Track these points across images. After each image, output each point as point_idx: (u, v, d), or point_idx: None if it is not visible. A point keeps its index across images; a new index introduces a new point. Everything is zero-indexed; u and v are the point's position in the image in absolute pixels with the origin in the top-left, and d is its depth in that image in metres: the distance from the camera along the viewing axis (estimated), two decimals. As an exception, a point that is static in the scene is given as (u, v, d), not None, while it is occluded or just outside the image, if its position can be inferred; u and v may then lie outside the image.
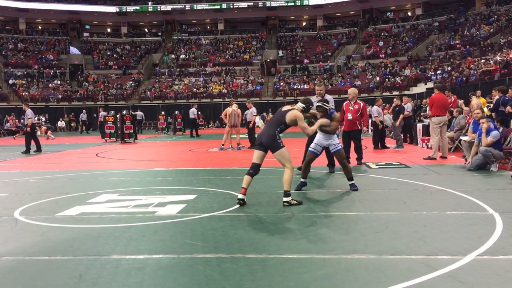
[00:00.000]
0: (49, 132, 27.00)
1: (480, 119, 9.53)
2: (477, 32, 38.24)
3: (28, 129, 16.09)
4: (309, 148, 7.72)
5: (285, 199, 6.22)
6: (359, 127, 10.53)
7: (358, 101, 10.65)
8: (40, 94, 43.61)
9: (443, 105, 11.30)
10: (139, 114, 33.81)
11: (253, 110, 16.43)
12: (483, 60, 30.64)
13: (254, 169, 6.34)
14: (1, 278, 3.77)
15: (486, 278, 3.51)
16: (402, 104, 14.93)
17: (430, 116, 11.73)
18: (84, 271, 3.83)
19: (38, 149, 16.19)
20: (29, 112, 16.26)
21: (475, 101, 13.48)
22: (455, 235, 4.63)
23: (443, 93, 11.88)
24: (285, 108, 6.51)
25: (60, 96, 43.76)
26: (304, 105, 6.52)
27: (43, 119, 36.65)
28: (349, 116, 10.40)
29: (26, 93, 42.93)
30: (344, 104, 10.87)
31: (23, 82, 44.92)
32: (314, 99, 9.09)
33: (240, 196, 6.29)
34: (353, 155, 10.88)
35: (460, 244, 4.32)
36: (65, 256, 4.28)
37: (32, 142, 16.22)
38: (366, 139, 18.81)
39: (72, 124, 40.02)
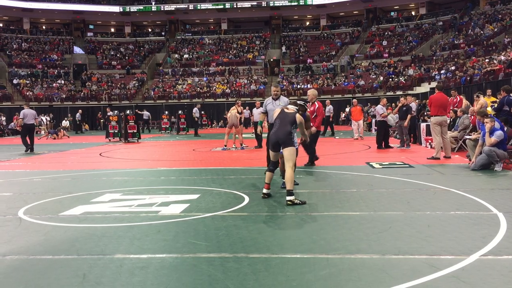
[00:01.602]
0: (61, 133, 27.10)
1: (485, 118, 9.49)
2: (481, 32, 38.12)
3: (18, 128, 16.51)
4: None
5: (288, 198, 6.26)
6: (314, 128, 10.56)
7: (315, 102, 10.66)
8: (44, 93, 43.75)
9: (442, 105, 11.24)
10: (146, 113, 34.09)
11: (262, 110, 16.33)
12: (487, 60, 30.53)
13: (274, 165, 6.85)
14: (5, 277, 3.78)
15: (490, 278, 3.50)
16: (408, 103, 14.86)
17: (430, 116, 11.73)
18: (88, 270, 3.84)
19: (27, 149, 16.36)
20: (21, 112, 16.58)
21: (482, 100, 13.41)
22: (458, 235, 4.61)
23: (443, 93, 11.84)
24: (286, 110, 6.89)
25: (64, 96, 43.89)
26: (296, 108, 7.03)
27: (48, 118, 36.72)
28: None
29: (30, 93, 43.07)
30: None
31: (27, 81, 45.07)
32: (269, 100, 9.16)
33: (265, 191, 6.73)
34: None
35: (464, 244, 4.31)
36: (69, 255, 4.29)
37: (26, 141, 16.53)
38: (369, 138, 18.80)
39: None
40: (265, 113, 9.16)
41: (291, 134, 6.58)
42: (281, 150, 6.62)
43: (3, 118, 34.10)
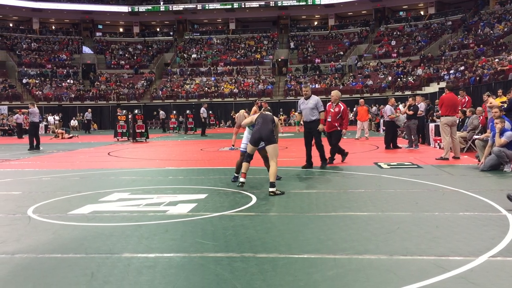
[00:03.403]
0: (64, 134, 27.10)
1: (496, 118, 9.42)
2: (491, 31, 37.84)
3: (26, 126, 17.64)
4: (241, 148, 8.23)
5: (271, 189, 6.94)
6: (339, 128, 10.65)
7: (339, 103, 10.75)
8: (53, 93, 44.03)
9: (453, 105, 11.21)
10: (162, 113, 34.50)
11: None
12: (496, 60, 30.31)
13: (251, 157, 7.48)
14: (14, 275, 3.81)
15: (499, 280, 3.48)
16: (416, 103, 14.79)
17: (439, 116, 11.66)
18: (96, 269, 3.86)
19: (31, 147, 17.08)
20: (31, 110, 17.34)
21: (492, 100, 13.31)
22: (467, 236, 4.58)
23: (454, 93, 11.78)
24: (264, 112, 7.76)
25: (73, 96, 44.15)
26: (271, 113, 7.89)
27: (57, 118, 36.89)
28: (328, 118, 10.52)
29: (40, 92, 43.36)
30: (327, 105, 10.97)
31: (37, 81, 45.38)
32: (302, 100, 9.94)
33: (241, 179, 7.30)
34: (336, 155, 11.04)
35: (473, 245, 4.28)
36: (77, 254, 4.31)
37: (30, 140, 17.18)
38: (378, 138, 18.73)
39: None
40: (301, 113, 9.99)
41: (273, 132, 7.35)
42: (260, 146, 7.47)
43: (21, 116, 34.02)
